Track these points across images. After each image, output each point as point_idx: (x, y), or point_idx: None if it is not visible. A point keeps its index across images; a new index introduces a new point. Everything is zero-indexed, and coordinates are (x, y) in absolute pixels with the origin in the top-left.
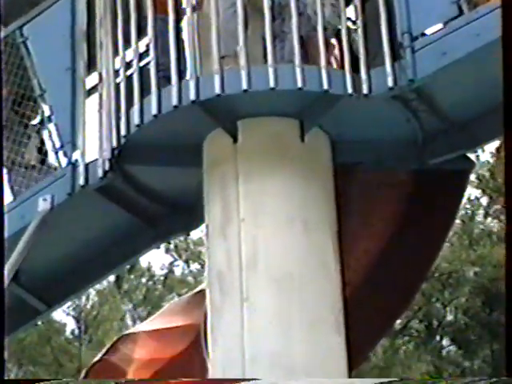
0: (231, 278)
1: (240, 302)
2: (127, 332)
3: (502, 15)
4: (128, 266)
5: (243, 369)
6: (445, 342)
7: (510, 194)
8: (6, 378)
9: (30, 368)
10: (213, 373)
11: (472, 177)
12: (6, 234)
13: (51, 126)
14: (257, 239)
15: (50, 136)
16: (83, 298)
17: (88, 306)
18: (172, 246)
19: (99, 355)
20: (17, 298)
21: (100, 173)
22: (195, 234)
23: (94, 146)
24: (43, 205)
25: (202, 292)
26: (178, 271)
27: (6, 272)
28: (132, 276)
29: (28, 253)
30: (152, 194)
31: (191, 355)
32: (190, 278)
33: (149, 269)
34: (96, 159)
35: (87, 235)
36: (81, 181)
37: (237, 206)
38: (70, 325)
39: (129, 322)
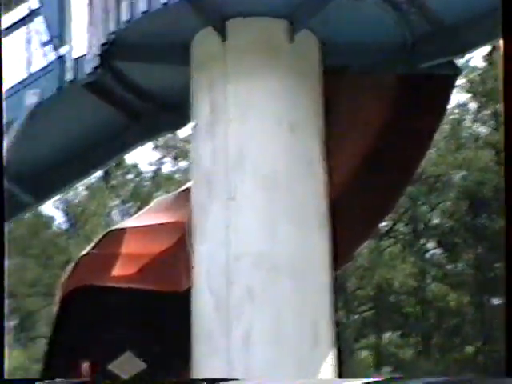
0: (217, 177)
1: (226, 201)
2: (114, 228)
3: None
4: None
5: (227, 267)
6: (429, 244)
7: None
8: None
9: (19, 260)
10: (197, 271)
11: (462, 81)
12: None
13: (39, 19)
14: (244, 139)
15: (38, 29)
16: (71, 193)
17: (76, 201)
18: (161, 143)
19: (87, 249)
20: (5, 191)
21: (88, 68)
22: (184, 132)
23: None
24: (31, 99)
25: (189, 190)
26: (166, 168)
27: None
28: (119, 172)
29: (17, 146)
30: (140, 91)
31: (176, 252)
32: (177, 176)
33: (135, 165)
34: (84, 54)
35: (75, 130)
36: (69, 76)
37: (224, 105)
38: (58, 219)
39: (117, 217)
